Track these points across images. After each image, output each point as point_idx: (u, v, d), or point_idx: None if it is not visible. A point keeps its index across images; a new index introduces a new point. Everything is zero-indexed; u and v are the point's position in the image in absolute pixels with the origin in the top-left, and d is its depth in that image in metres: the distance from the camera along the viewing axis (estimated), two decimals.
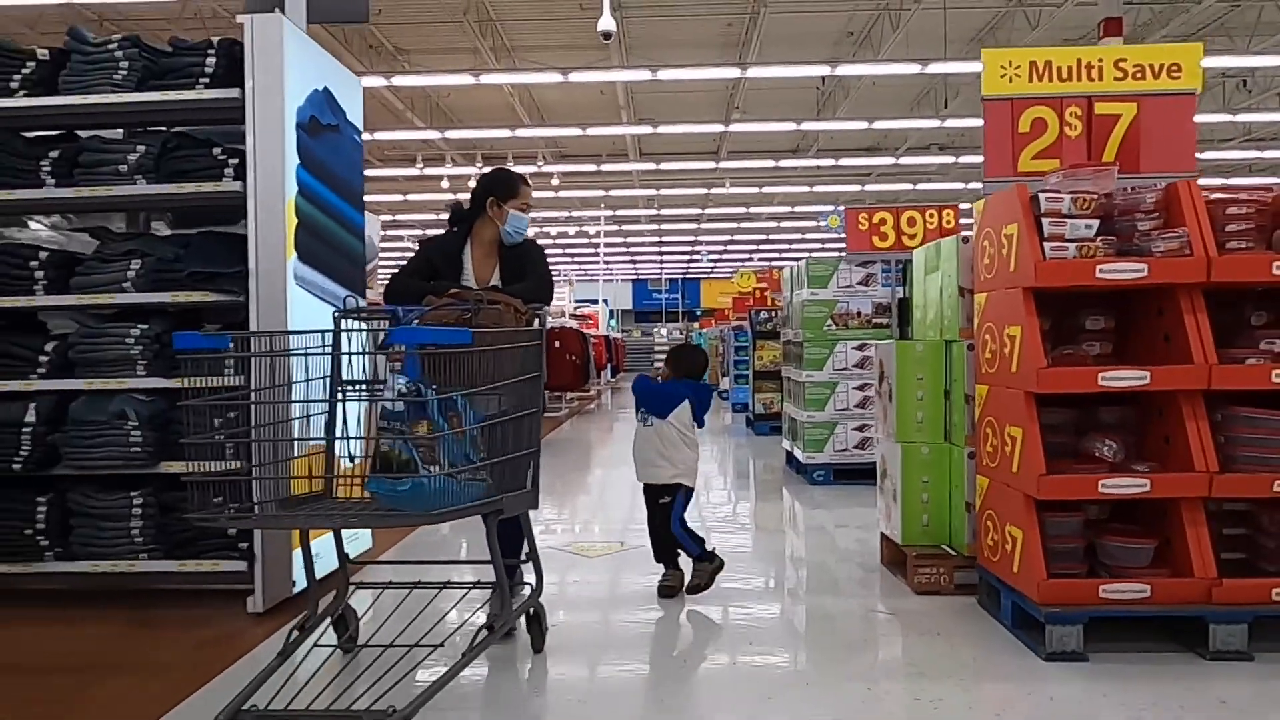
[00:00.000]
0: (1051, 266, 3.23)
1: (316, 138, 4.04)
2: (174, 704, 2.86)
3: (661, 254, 41.44)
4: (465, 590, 3.49)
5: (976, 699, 2.91)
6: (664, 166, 22.25)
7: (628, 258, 42.34)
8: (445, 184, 22.03)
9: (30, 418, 3.79)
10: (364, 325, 3.04)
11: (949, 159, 21.01)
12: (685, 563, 4.08)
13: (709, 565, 4.03)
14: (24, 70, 3.88)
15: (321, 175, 4.08)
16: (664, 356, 4.57)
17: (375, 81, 14.07)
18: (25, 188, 3.91)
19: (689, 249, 39.76)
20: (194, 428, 2.69)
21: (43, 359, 3.89)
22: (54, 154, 3.92)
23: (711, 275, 45.93)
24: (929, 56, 13.87)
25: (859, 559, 4.69)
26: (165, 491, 3.86)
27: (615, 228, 32.52)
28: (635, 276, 47.31)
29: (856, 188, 25.42)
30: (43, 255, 3.94)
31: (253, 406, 2.90)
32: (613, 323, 33.62)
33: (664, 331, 38.12)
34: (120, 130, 4.23)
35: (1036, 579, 3.17)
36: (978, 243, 3.78)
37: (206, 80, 3.79)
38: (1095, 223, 3.27)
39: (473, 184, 3.79)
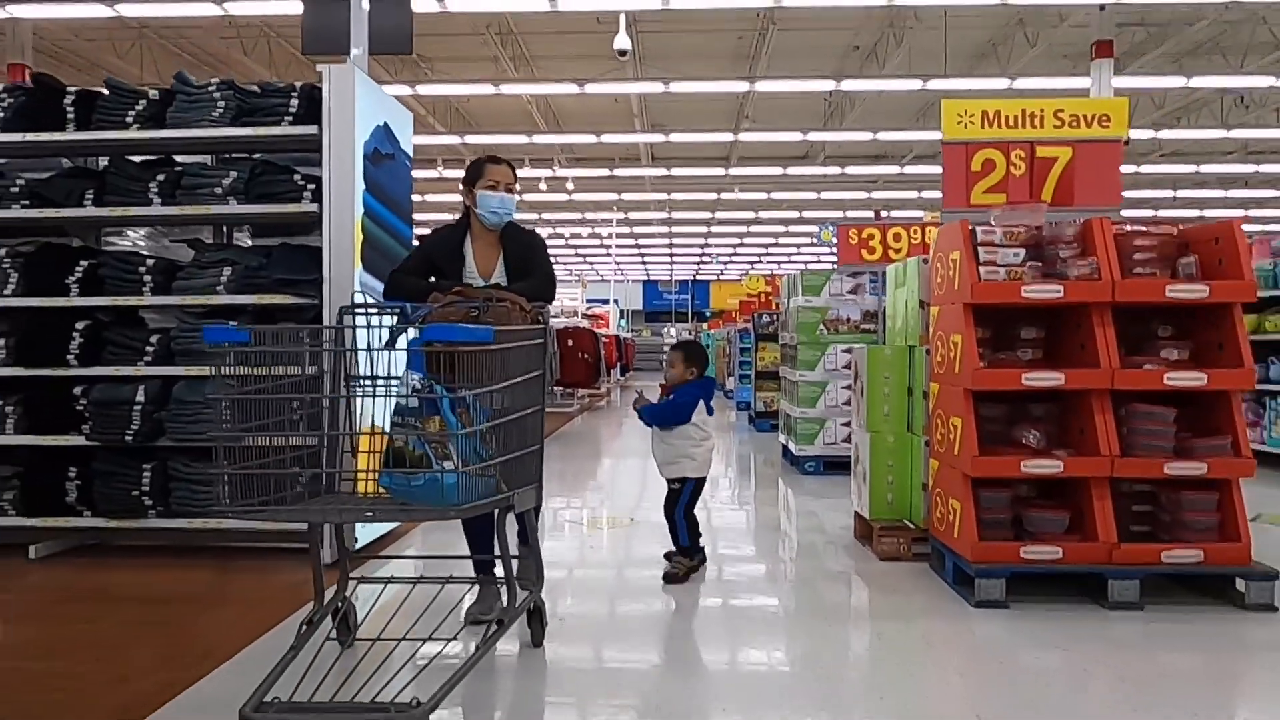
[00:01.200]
0: (985, 287, 3.94)
1: (378, 166, 4.78)
2: (276, 623, 3.60)
3: (672, 256, 42.09)
4: (470, 584, 3.56)
5: (913, 632, 3.64)
6: (675, 172, 22.93)
7: (639, 259, 43.02)
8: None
9: (140, 397, 4.53)
10: (378, 321, 3.06)
11: None
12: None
13: (687, 561, 4.34)
14: (137, 107, 4.62)
15: (382, 198, 4.82)
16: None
17: (400, 90, 14.80)
18: (137, 205, 4.66)
19: (699, 251, 40.44)
20: (221, 421, 2.62)
21: (148, 349, 4.64)
22: (160, 177, 4.67)
23: (721, 277, 46.56)
24: (931, 73, 14.47)
25: (836, 535, 5.40)
26: None
27: (627, 230, 33.23)
28: (646, 278, 47.95)
29: (863, 194, 26.01)
30: (149, 262, 4.69)
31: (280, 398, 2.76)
32: (623, 323, 34.26)
33: (673, 332, 38.75)
34: (208, 157, 4.98)
35: (970, 542, 3.88)
36: (933, 265, 4.49)
37: (290, 118, 4.53)
38: (1022, 251, 3.99)
39: None
